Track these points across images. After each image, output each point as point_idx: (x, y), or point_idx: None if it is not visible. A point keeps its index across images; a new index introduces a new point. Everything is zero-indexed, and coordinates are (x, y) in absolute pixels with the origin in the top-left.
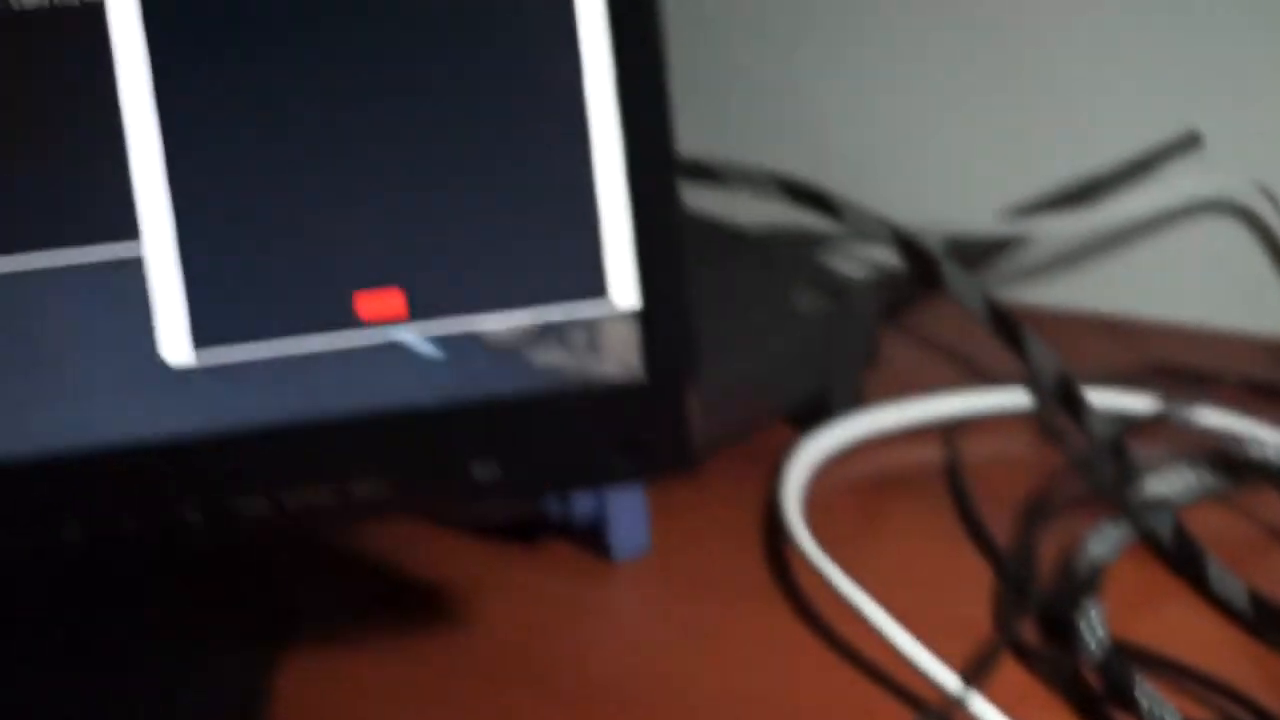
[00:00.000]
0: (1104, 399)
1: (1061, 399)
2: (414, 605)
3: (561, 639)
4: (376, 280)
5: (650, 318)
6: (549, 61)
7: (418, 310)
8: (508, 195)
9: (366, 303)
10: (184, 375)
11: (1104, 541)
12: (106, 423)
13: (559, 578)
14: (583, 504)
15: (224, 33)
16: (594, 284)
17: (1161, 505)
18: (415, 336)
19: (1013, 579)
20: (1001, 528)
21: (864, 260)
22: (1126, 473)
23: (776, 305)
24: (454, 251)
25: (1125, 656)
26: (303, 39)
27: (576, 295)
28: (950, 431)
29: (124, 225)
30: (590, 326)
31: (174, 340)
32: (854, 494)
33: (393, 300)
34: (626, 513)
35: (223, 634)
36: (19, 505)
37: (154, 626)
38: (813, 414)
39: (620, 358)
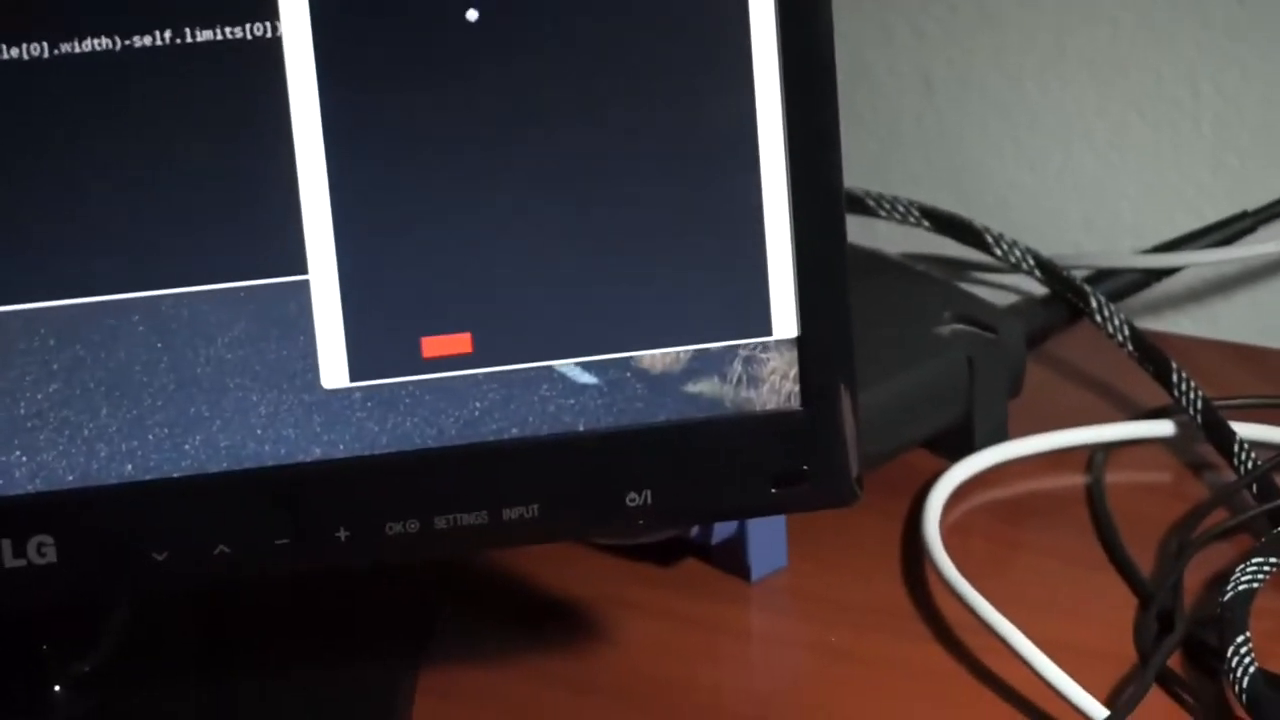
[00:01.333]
0: (1250, 431)
1: (1208, 430)
2: (550, 623)
3: (697, 660)
4: (540, 317)
5: (809, 347)
6: (722, 98)
7: (579, 343)
8: (676, 228)
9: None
10: (340, 400)
11: (1252, 573)
12: (262, 445)
13: (695, 597)
14: (722, 524)
15: (393, 66)
16: (757, 314)
17: None
18: (572, 365)
19: (1159, 610)
20: (1144, 555)
21: (1009, 290)
22: (1273, 504)
23: (923, 334)
24: (619, 284)
25: (1274, 689)
26: (471, 75)
27: (739, 325)
28: (1093, 458)
29: (291, 255)
30: (748, 355)
31: (332, 365)
32: (995, 520)
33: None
34: (765, 533)
35: (365, 648)
36: (174, 524)
37: (297, 639)
38: (956, 442)
39: (777, 387)
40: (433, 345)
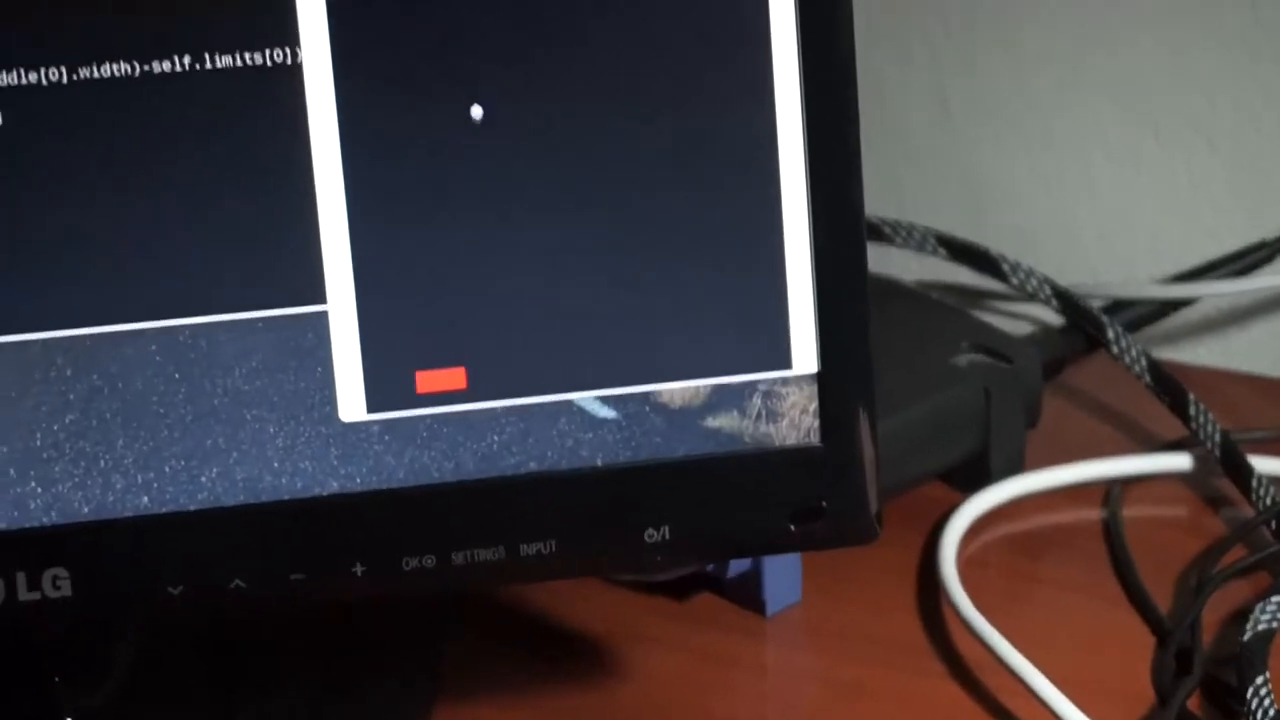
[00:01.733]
0: (1268, 465)
1: (1225, 464)
2: (565, 656)
3: (712, 694)
4: (558, 350)
5: (829, 381)
6: (742, 127)
7: (598, 377)
8: (696, 261)
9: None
10: (357, 432)
11: (1271, 613)
12: (278, 478)
13: (710, 631)
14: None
15: (413, 94)
16: (777, 349)
17: None
18: (591, 399)
19: (1177, 648)
20: (1161, 591)
21: (1022, 318)
22: None
23: (939, 364)
24: (638, 319)
25: None
26: (494, 109)
27: (758, 359)
28: (1110, 491)
29: (310, 286)
30: (768, 390)
31: (350, 397)
32: (1011, 553)
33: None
34: (780, 568)
35: (378, 680)
36: (189, 558)
37: (309, 671)
38: (972, 474)
39: (797, 422)
40: (426, 380)
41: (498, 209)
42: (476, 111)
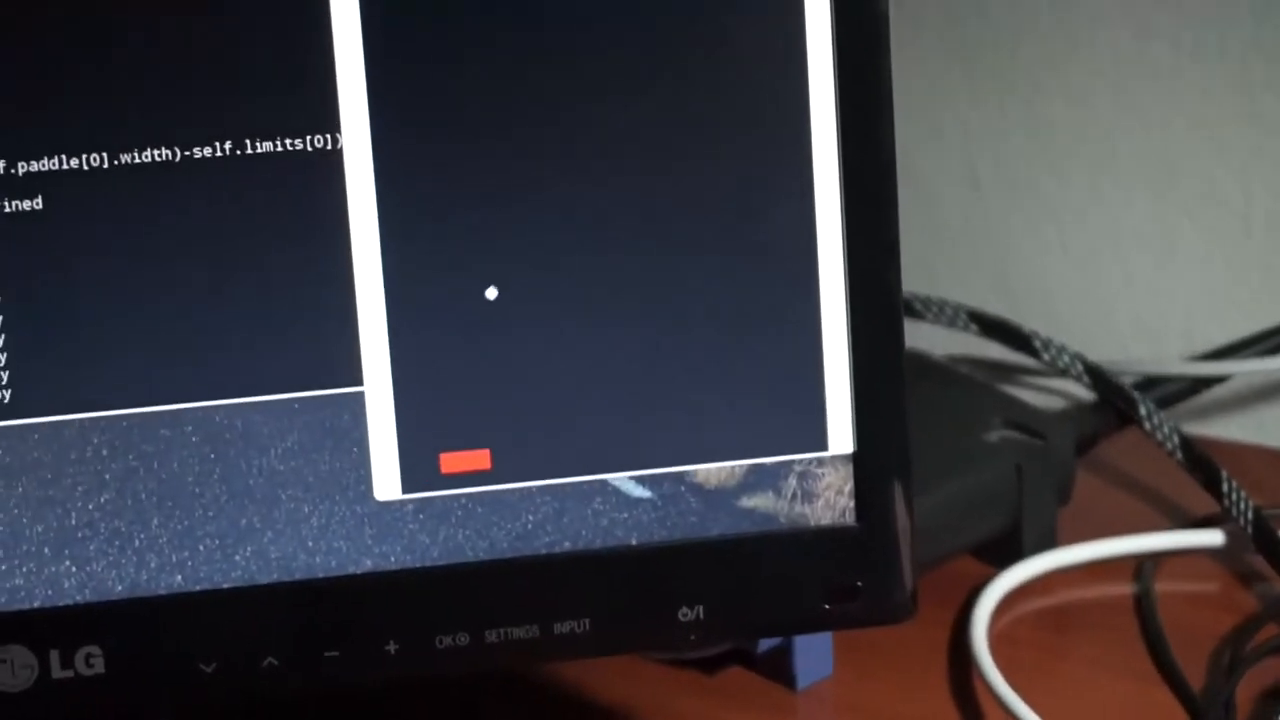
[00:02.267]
0: None
1: (1258, 540)
2: None
3: None
4: (595, 430)
5: (865, 462)
6: (781, 208)
7: (633, 457)
8: (732, 342)
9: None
10: (392, 511)
11: None
12: (313, 557)
13: (740, 707)
14: None
15: (453, 181)
16: (813, 429)
17: None
18: (624, 478)
19: None
20: (1193, 668)
21: (1050, 393)
22: None
23: (971, 440)
24: (674, 400)
25: None
26: (528, 190)
27: (794, 440)
28: (1142, 567)
29: (347, 368)
30: (804, 470)
31: (385, 477)
32: (1042, 629)
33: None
34: (811, 642)
35: None
36: (222, 635)
37: None
38: (1004, 550)
39: (832, 502)
40: (450, 461)
41: (535, 298)
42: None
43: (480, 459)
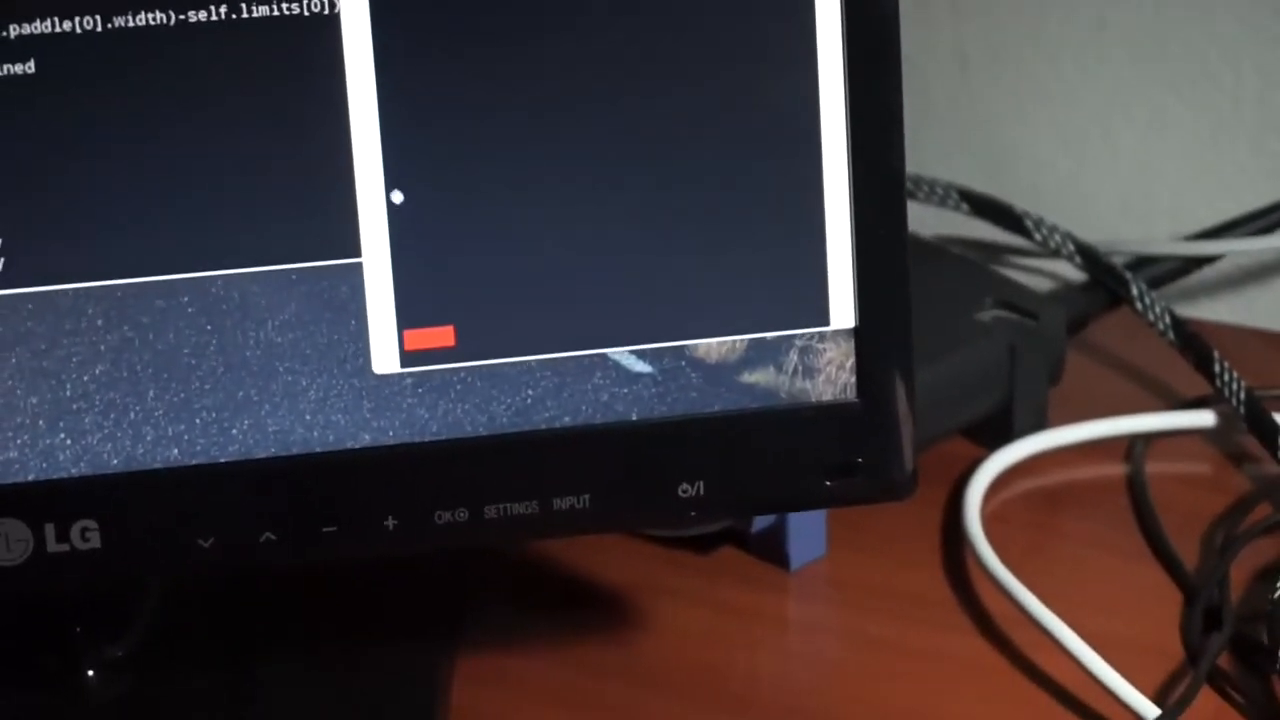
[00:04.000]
0: None
1: (1250, 420)
2: (585, 610)
3: (734, 648)
4: (594, 302)
5: (867, 337)
6: (783, 80)
7: (632, 332)
8: (734, 216)
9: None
10: (391, 385)
11: None
12: (310, 431)
13: (733, 585)
14: None
15: (451, 46)
16: (815, 304)
17: None
18: (624, 353)
19: (1203, 606)
20: (1185, 548)
21: (1040, 274)
22: None
23: (964, 320)
24: (675, 274)
25: None
26: (528, 54)
27: (796, 315)
28: (1133, 447)
29: (346, 239)
30: (805, 345)
31: (384, 350)
32: (1034, 509)
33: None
34: (805, 522)
35: (397, 635)
36: (219, 509)
37: (330, 623)
38: (995, 430)
39: (833, 378)
40: (413, 339)
41: (535, 164)
42: (514, 66)
43: (446, 336)
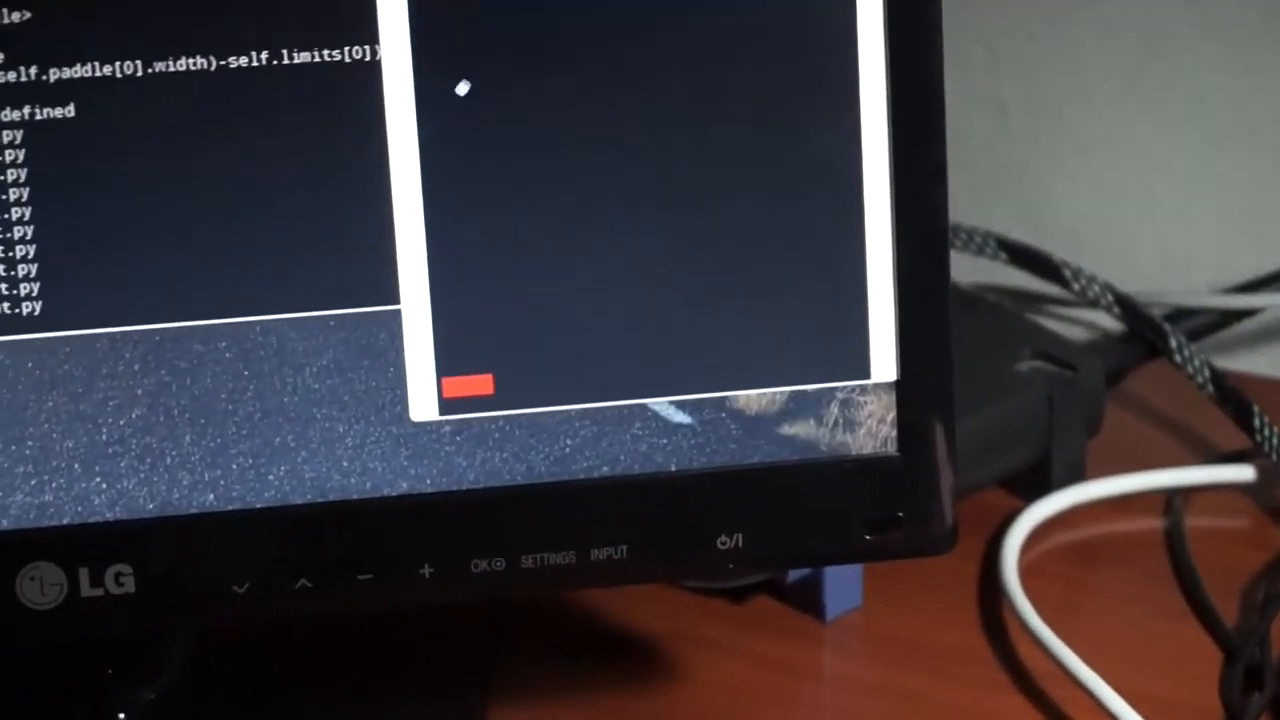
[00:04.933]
0: None
1: None
2: (618, 659)
3: (769, 700)
4: (634, 353)
5: (908, 391)
6: (828, 132)
7: (673, 383)
8: (777, 267)
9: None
10: (428, 433)
11: None
12: (347, 478)
13: (768, 636)
14: None
15: (494, 94)
16: (856, 356)
17: None
18: (665, 403)
19: (1244, 664)
20: (1224, 604)
21: (1077, 324)
22: None
23: (1002, 370)
24: (716, 325)
25: None
26: (575, 104)
27: (837, 367)
28: (1172, 501)
29: (384, 286)
30: (846, 398)
31: (421, 398)
32: (1071, 563)
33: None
34: (841, 572)
35: (432, 679)
36: (254, 555)
37: (361, 669)
38: (1033, 481)
39: (874, 431)
40: (452, 386)
41: (576, 213)
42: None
43: (485, 384)
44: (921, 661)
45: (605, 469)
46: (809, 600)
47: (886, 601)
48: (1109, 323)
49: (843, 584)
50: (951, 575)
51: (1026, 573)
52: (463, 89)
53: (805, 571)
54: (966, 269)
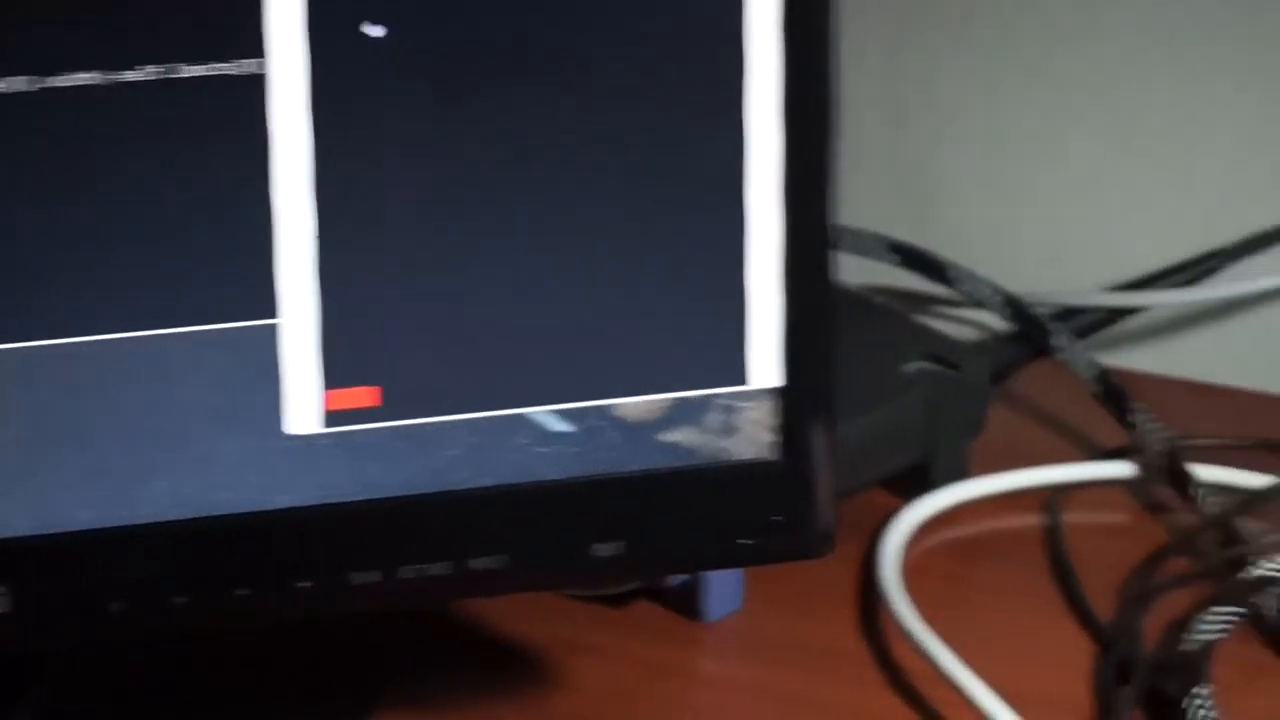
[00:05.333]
0: (1210, 473)
1: (1168, 472)
2: (499, 668)
3: (650, 704)
4: (518, 362)
5: (790, 397)
6: (711, 138)
7: (555, 391)
8: (658, 275)
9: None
10: (308, 446)
11: (1212, 622)
12: (225, 493)
13: (648, 639)
14: None
15: (385, 110)
16: (738, 363)
17: (1271, 584)
18: (546, 412)
19: (1117, 658)
20: (1102, 599)
21: (970, 324)
22: (1234, 550)
23: (886, 371)
24: (597, 333)
25: None
26: (459, 123)
27: (719, 374)
28: (1052, 498)
29: (262, 301)
30: (727, 404)
31: (301, 411)
32: (952, 559)
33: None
34: (721, 575)
35: (314, 691)
36: (132, 574)
37: (246, 682)
38: (915, 480)
39: (755, 437)
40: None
41: (462, 225)
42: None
43: (372, 396)
44: (800, 662)
45: (485, 479)
46: (689, 603)
47: (767, 603)
48: (998, 323)
49: (723, 586)
50: (833, 576)
51: (910, 571)
52: (356, 103)
53: (686, 575)
54: (856, 271)
